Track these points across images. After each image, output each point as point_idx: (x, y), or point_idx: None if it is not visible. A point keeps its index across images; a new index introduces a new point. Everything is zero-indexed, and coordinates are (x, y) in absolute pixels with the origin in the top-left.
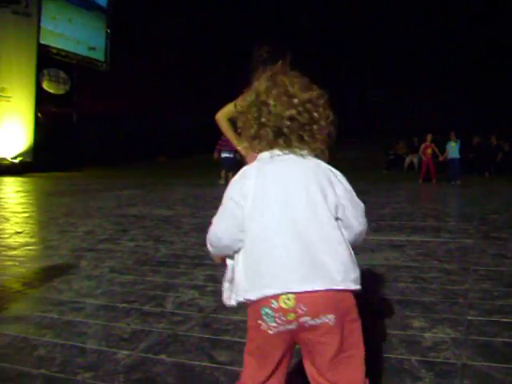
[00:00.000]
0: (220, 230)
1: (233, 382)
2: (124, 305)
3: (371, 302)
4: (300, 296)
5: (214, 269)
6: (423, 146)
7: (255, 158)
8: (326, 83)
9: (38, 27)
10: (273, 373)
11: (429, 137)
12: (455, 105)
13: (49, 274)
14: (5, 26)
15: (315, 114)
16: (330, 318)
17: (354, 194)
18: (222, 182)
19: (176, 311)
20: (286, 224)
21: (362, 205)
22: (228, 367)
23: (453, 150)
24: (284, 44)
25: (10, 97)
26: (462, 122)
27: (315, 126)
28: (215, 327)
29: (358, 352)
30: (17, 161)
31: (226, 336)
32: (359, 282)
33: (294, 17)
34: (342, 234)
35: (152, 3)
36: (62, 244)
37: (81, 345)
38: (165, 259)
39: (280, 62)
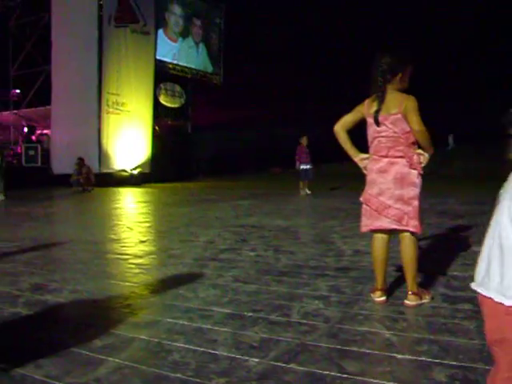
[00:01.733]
0: None
1: None
2: (250, 314)
3: None
4: None
5: (337, 279)
6: None
7: (372, 170)
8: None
9: (155, 44)
10: None
11: None
12: None
13: (175, 282)
14: (124, 44)
15: None
16: None
17: None
18: (302, 192)
19: (302, 321)
20: None
21: None
22: (358, 378)
23: None
24: (407, 54)
25: (129, 111)
26: None
27: None
28: (342, 338)
29: None
30: (136, 172)
31: (354, 347)
32: None
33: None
34: None
35: (263, 17)
36: (185, 253)
37: (212, 351)
38: (286, 269)
39: (399, 75)
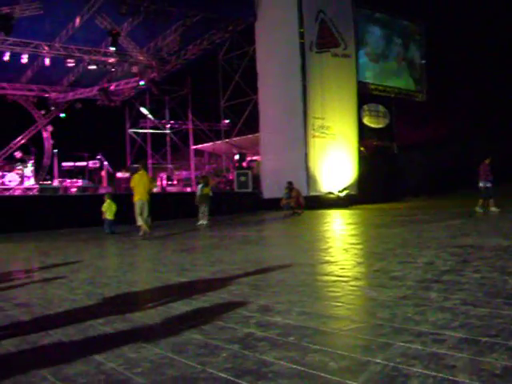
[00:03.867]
0: None
1: None
2: (486, 339)
3: None
4: None
5: None
6: None
7: None
8: None
9: (356, 66)
10: None
11: None
12: None
13: (400, 304)
14: (327, 68)
15: None
16: None
17: None
18: (479, 210)
19: None
20: None
21: None
22: None
23: None
24: None
25: (334, 134)
26: None
27: None
28: None
29: None
30: (343, 194)
31: None
32: None
33: None
34: None
35: (465, 28)
36: (406, 275)
37: (452, 378)
38: None
39: None
